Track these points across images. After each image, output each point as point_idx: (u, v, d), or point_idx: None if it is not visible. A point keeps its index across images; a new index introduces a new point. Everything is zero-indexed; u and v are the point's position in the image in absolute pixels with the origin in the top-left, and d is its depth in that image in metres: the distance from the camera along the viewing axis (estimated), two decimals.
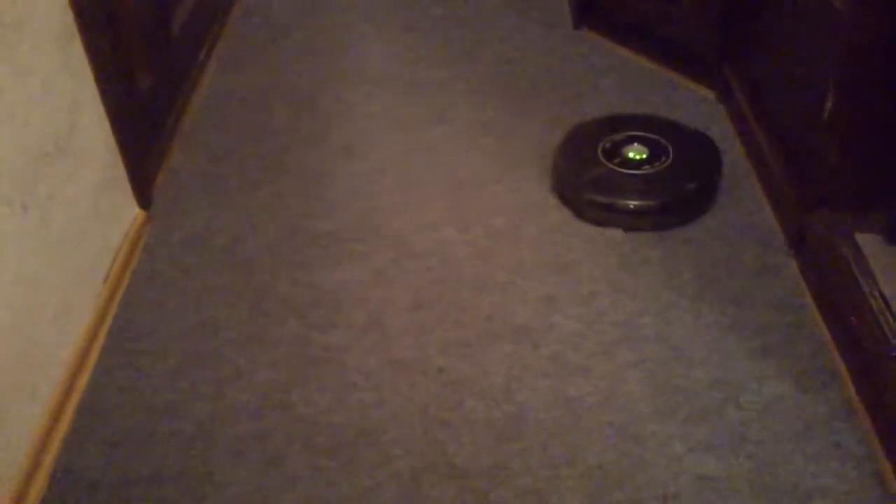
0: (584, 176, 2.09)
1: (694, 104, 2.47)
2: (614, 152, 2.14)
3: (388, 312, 1.85)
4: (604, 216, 2.04)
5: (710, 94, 2.48)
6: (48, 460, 1.57)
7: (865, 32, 1.62)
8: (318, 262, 2.00)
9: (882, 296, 1.64)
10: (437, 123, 2.47)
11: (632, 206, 2.02)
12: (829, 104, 1.72)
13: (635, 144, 2.15)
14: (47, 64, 1.71)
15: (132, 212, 2.08)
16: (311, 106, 2.58)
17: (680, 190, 2.04)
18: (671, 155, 2.11)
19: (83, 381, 1.73)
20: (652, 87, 2.56)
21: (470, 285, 1.91)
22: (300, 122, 2.51)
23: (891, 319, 1.58)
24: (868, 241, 1.76)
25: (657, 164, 2.10)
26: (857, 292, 1.67)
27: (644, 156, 2.11)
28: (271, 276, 1.96)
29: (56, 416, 1.63)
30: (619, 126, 2.24)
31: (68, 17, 1.81)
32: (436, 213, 2.12)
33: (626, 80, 2.61)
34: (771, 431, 1.56)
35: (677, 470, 1.51)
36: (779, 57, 2.06)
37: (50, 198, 1.68)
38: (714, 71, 2.44)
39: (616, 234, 2.02)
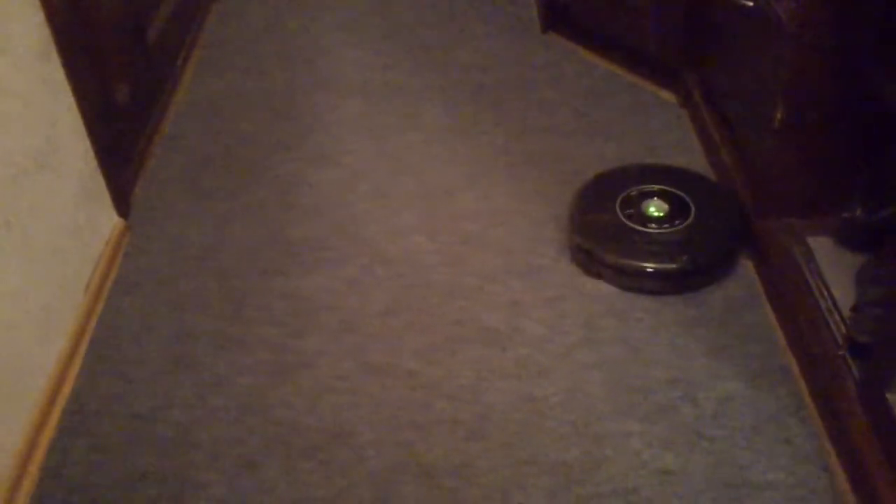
0: (588, 217, 2.04)
1: (657, 108, 2.55)
2: (634, 203, 2.04)
3: (361, 318, 1.92)
4: (582, 261, 2.00)
5: (672, 99, 2.56)
6: (35, 466, 1.63)
7: (810, 45, 1.69)
8: (294, 269, 2.06)
9: (831, 296, 1.72)
10: (409, 130, 2.53)
11: (613, 262, 1.93)
12: (779, 113, 1.80)
13: (655, 199, 2.04)
14: (26, 81, 1.76)
15: (111, 221, 2.14)
16: (287, 113, 2.64)
17: (672, 260, 1.92)
18: (689, 220, 1.99)
19: (67, 388, 1.79)
20: (617, 90, 2.64)
21: (440, 291, 1.98)
22: (275, 129, 2.57)
23: (838, 319, 1.67)
24: (819, 244, 1.84)
25: (667, 225, 1.98)
26: (807, 293, 1.75)
27: (661, 213, 2.01)
28: (248, 284, 2.03)
29: (42, 423, 1.69)
30: (657, 178, 2.12)
31: (46, 35, 1.86)
32: (407, 220, 2.19)
33: (592, 84, 2.69)
34: (725, 428, 1.64)
35: (636, 465, 1.59)
36: (734, 66, 2.14)
37: (31, 212, 1.73)
38: (676, 77, 2.52)
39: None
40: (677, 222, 1.99)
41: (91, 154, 2.05)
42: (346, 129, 2.55)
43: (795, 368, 1.75)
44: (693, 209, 2.02)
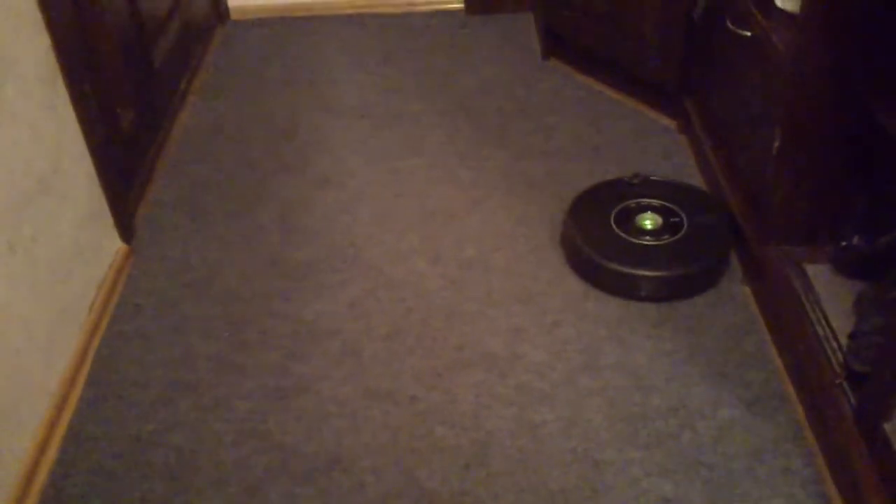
0: (582, 231, 2.08)
1: (656, 133, 2.57)
2: (628, 215, 2.12)
3: (362, 343, 1.93)
4: (574, 266, 2.09)
5: (671, 124, 2.58)
6: (36, 489, 1.64)
7: (808, 74, 1.71)
8: (296, 292, 2.07)
9: (829, 324, 1.73)
10: (411, 154, 2.55)
11: (605, 269, 2.01)
12: (777, 141, 1.82)
13: (649, 212, 2.12)
14: (32, 106, 1.78)
15: (114, 245, 2.15)
16: (289, 137, 2.66)
17: (655, 271, 1.99)
18: (679, 234, 2.07)
19: (69, 411, 1.79)
20: (617, 116, 2.66)
21: (441, 315, 1.99)
22: (278, 152, 2.59)
23: (836, 347, 1.67)
24: (817, 272, 1.85)
25: (652, 237, 2.06)
26: (805, 320, 1.76)
27: (650, 225, 2.09)
28: (250, 307, 2.04)
29: (43, 446, 1.69)
30: (650, 191, 2.20)
31: (51, 60, 1.88)
32: (409, 244, 2.21)
33: (592, 109, 2.71)
34: (724, 455, 1.65)
35: (636, 493, 1.59)
36: (733, 94, 2.15)
37: (35, 236, 1.75)
38: (675, 103, 2.54)
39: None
40: (665, 237, 2.07)
41: (95, 178, 2.06)
42: (348, 153, 2.57)
43: (794, 396, 1.76)
44: (684, 225, 2.09)
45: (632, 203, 2.16)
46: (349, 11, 3.36)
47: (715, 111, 2.30)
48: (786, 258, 1.89)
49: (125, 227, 2.18)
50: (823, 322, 1.73)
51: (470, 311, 2.00)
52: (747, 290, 2.01)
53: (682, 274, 1.99)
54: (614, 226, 2.09)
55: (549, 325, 1.95)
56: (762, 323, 1.92)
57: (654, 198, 2.17)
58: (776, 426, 1.70)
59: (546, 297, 2.02)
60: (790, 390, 1.77)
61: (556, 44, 2.96)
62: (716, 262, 2.04)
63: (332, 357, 1.90)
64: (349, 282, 2.10)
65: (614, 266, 2.00)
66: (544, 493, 1.59)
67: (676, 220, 2.11)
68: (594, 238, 2.06)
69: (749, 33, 1.90)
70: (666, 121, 2.60)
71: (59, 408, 1.77)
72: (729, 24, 1.98)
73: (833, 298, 1.78)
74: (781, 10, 1.81)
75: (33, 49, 1.81)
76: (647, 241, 2.06)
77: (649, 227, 2.09)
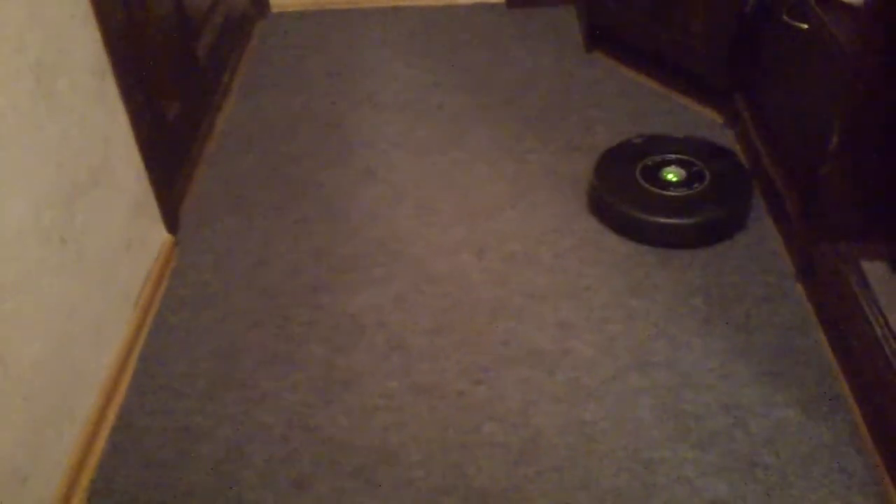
0: (611, 184, 2.21)
1: (703, 127, 2.53)
2: (651, 172, 2.22)
3: (408, 336, 1.92)
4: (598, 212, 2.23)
5: (718, 119, 2.54)
6: (85, 481, 1.65)
7: (871, 73, 1.67)
8: (340, 285, 2.07)
9: (886, 322, 1.69)
10: (454, 148, 2.53)
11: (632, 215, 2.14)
12: (834, 138, 1.78)
13: (673, 167, 2.23)
14: (83, 100, 1.79)
15: (161, 237, 2.16)
16: (332, 130, 2.65)
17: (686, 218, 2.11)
18: (706, 181, 2.18)
19: (117, 403, 1.80)
20: (662, 110, 2.63)
21: (487, 310, 1.97)
22: (321, 145, 2.58)
23: (894, 346, 1.64)
24: (873, 269, 1.81)
25: (684, 188, 2.17)
26: (861, 319, 1.73)
27: (675, 177, 2.19)
28: (295, 300, 2.03)
29: (92, 439, 1.70)
30: (674, 148, 2.30)
31: (102, 55, 1.89)
32: (453, 237, 2.19)
33: (637, 103, 2.67)
34: (779, 456, 1.62)
35: (689, 494, 1.57)
36: (787, 88, 2.11)
37: (85, 229, 1.75)
38: (722, 96, 2.50)
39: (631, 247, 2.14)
40: (696, 185, 2.18)
41: (142, 170, 2.07)
42: (391, 146, 2.56)
43: (849, 396, 1.72)
44: (705, 169, 2.22)
45: (649, 161, 2.25)
46: (390, 4, 3.35)
47: (766, 106, 2.26)
48: (840, 255, 1.85)
49: (171, 219, 2.19)
50: (881, 320, 1.70)
51: (516, 306, 1.98)
52: (800, 287, 1.97)
53: (726, 213, 2.13)
54: (645, 184, 2.19)
55: (597, 321, 1.92)
56: (816, 320, 1.89)
57: (667, 153, 2.28)
58: (832, 426, 1.66)
59: (593, 293, 2.00)
60: (845, 390, 1.73)
61: (600, 36, 2.92)
62: (750, 196, 2.19)
63: (378, 351, 1.89)
64: (393, 275, 2.09)
65: (661, 220, 2.11)
66: (595, 491, 1.58)
67: (696, 168, 2.22)
68: (633, 199, 2.16)
69: (806, 26, 1.87)
70: (713, 115, 2.56)
71: (108, 398, 1.78)
72: (784, 17, 1.95)
73: (890, 296, 1.74)
74: (841, 2, 1.78)
75: (85, 43, 1.82)
76: (681, 191, 2.16)
77: (675, 179, 2.19)
